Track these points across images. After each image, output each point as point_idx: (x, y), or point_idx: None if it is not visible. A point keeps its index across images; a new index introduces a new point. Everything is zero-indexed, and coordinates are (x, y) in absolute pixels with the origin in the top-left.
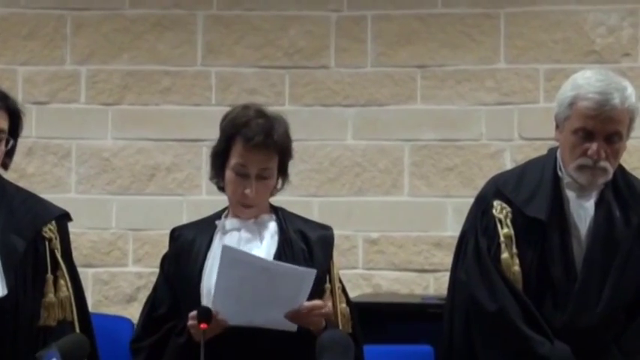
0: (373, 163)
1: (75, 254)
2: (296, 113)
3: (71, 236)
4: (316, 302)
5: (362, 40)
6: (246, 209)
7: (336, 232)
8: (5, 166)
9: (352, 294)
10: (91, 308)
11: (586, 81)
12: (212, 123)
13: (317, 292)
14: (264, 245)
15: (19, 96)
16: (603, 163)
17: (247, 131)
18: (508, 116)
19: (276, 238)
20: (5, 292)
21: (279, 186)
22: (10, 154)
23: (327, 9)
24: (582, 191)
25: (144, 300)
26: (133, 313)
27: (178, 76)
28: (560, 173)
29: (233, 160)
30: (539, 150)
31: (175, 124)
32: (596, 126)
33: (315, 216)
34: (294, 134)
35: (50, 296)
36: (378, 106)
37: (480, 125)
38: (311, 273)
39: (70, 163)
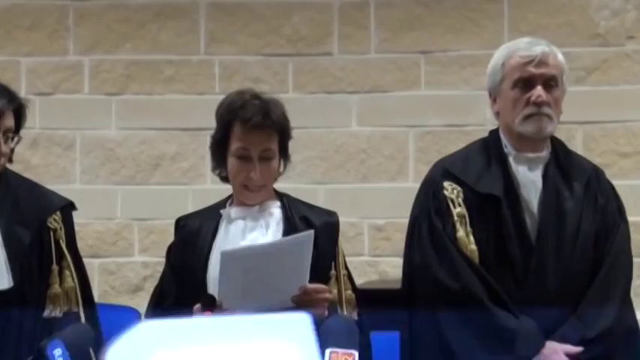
0: (378, 149)
1: (81, 245)
2: (300, 101)
3: (76, 227)
4: (320, 285)
5: (365, 27)
6: (252, 193)
7: (342, 219)
8: (10, 160)
9: (359, 281)
10: (97, 299)
11: (511, 44)
12: None
13: (322, 278)
14: (270, 233)
15: (22, 87)
16: (547, 109)
17: (245, 113)
18: None
19: (281, 225)
20: (11, 284)
21: (281, 169)
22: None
23: None
24: (530, 163)
25: (151, 289)
26: (140, 303)
27: (182, 65)
28: (505, 150)
29: (234, 146)
30: None
31: (179, 113)
32: (533, 72)
33: (320, 203)
34: (298, 122)
35: (55, 287)
36: (383, 93)
37: (485, 110)
38: (310, 234)
39: (74, 154)
